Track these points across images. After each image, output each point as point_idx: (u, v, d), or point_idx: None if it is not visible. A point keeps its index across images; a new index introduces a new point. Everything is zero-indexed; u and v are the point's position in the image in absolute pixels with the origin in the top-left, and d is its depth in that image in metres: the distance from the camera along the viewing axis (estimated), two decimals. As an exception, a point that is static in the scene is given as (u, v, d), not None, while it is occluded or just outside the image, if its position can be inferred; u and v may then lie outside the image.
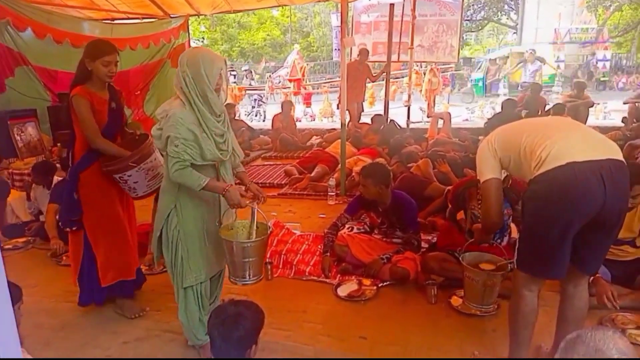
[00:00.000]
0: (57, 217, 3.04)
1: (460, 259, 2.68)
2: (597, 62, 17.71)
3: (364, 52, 8.34)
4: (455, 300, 2.92)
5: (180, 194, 2.28)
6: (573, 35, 17.68)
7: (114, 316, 2.93)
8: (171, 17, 8.15)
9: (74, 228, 2.81)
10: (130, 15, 8.02)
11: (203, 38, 24.20)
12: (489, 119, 5.99)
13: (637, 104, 8.08)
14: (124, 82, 7.52)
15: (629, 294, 2.77)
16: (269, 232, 2.39)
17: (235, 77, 16.67)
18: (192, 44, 11.65)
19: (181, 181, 2.18)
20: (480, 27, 27.92)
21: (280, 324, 2.75)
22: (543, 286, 2.12)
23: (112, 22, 7.90)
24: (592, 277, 2.58)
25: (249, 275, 2.34)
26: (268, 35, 27.17)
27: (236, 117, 7.60)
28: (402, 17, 8.82)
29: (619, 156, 1.91)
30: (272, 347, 2.52)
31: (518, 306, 2.10)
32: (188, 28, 8.74)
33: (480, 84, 16.58)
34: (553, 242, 1.91)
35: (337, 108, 9.21)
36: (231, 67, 19.73)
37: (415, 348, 2.50)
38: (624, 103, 8.67)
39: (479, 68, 17.47)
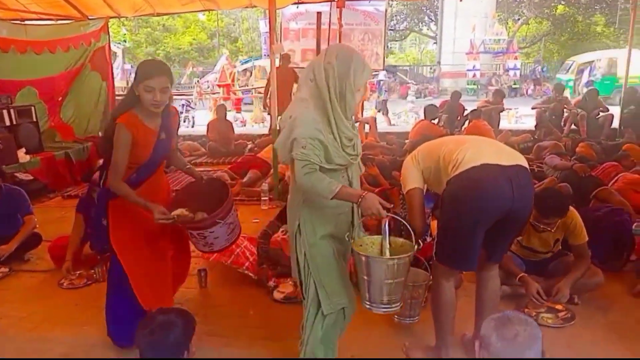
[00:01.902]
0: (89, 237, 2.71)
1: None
2: (508, 71, 19.16)
3: (285, 57, 8.42)
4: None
5: (304, 207, 2.01)
6: (487, 46, 18.96)
7: (34, 334, 2.74)
8: (89, 19, 7.75)
9: (107, 254, 2.55)
10: (43, 17, 7.52)
11: (125, 41, 23.14)
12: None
13: (543, 109, 8.87)
14: (50, 88, 7.06)
15: (541, 283, 3.04)
16: (415, 249, 1.99)
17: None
18: (113, 47, 11.15)
19: (309, 187, 1.91)
20: (403, 37, 29.18)
21: (217, 330, 2.72)
22: (462, 277, 2.31)
23: (23, 22, 7.37)
24: (519, 277, 2.88)
25: (392, 300, 1.97)
26: (194, 39, 26.56)
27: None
28: (329, 26, 9.02)
29: (525, 164, 2.16)
30: (210, 354, 2.49)
31: (439, 296, 2.30)
32: (108, 30, 8.36)
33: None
34: (466, 237, 2.12)
35: (264, 110, 9.19)
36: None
37: (351, 344, 2.56)
38: (532, 108, 9.47)
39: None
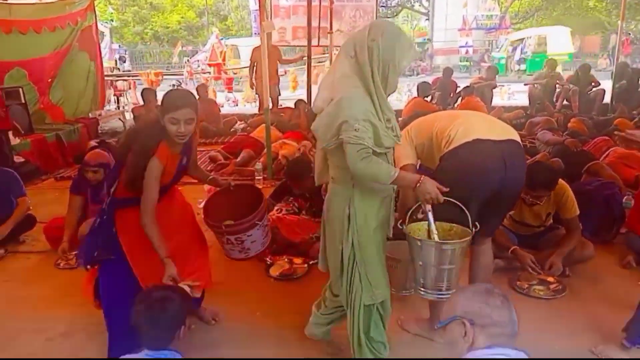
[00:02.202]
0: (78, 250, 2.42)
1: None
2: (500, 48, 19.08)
3: (268, 35, 8.31)
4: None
5: (356, 195, 1.91)
6: (479, 22, 18.83)
7: (33, 314, 2.77)
8: (75, -2, 7.58)
9: (88, 267, 2.30)
10: (25, -5, 7.34)
11: (112, 20, 22.69)
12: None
13: (535, 85, 8.87)
14: (39, 69, 6.92)
15: (534, 256, 3.09)
16: (471, 235, 1.95)
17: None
18: (100, 27, 10.95)
19: (367, 172, 1.80)
20: (395, 13, 28.78)
21: (213, 306, 2.75)
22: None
23: (7, 2, 7.18)
24: (511, 250, 2.97)
25: (446, 286, 1.92)
26: (182, 17, 26.07)
27: (157, 104, 7.26)
28: (320, 2, 8.89)
29: (517, 138, 2.17)
30: (206, 327, 2.54)
31: None
32: (95, 9, 8.18)
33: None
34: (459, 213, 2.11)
35: (252, 88, 9.12)
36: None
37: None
38: (525, 85, 9.47)
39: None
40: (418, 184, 1.83)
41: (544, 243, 3.19)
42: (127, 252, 2.25)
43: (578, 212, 2.95)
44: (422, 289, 1.97)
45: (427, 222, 1.97)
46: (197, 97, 7.98)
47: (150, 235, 2.13)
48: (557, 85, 8.62)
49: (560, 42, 16.77)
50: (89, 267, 2.29)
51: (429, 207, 1.90)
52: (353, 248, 1.94)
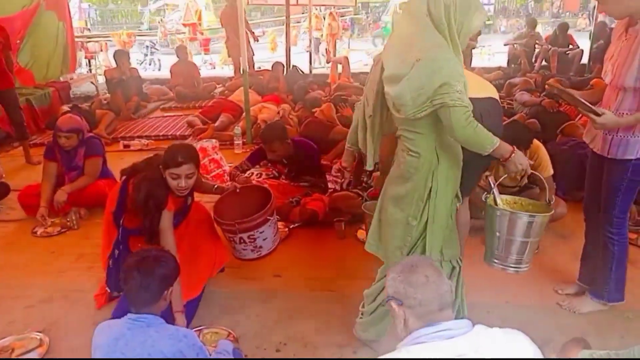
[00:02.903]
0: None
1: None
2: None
3: None
4: (361, 234, 3.14)
5: (439, 165, 1.79)
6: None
7: (13, 281, 2.75)
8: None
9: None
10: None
11: (80, -23, 21.54)
12: None
13: (515, 46, 8.85)
14: (8, 30, 6.54)
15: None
16: (552, 211, 1.93)
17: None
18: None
19: (475, 139, 1.67)
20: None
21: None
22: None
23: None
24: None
25: (524, 260, 1.91)
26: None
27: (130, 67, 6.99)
28: (298, -42, 8.61)
29: (496, 96, 2.15)
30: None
31: None
32: (62, -34, 7.75)
33: (389, 26, 16.93)
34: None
35: (229, 56, 8.91)
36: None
37: (326, 280, 2.68)
38: (505, 45, 9.43)
39: (387, 12, 17.75)
40: (512, 155, 1.73)
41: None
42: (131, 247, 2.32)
43: (552, 172, 3.01)
44: (498, 262, 1.96)
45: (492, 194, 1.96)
46: (177, 59, 7.84)
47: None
48: (536, 45, 8.62)
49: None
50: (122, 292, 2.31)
51: (492, 179, 1.92)
52: (426, 223, 1.84)
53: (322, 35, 11.36)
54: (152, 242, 2.23)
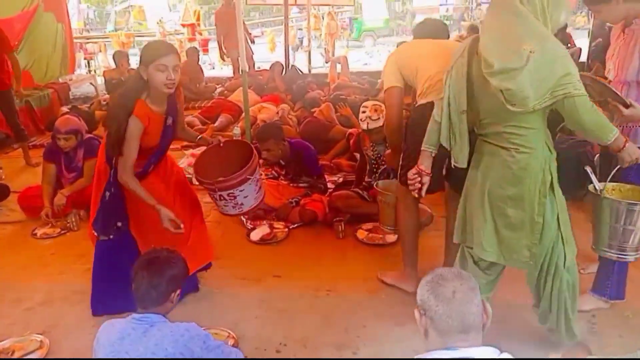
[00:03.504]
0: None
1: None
2: (481, 5, 18.86)
3: None
4: (361, 234, 3.14)
5: (552, 157, 1.80)
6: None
7: (12, 283, 2.75)
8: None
9: (111, 236, 2.33)
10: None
11: (79, -22, 21.54)
12: None
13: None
14: (6, 32, 6.51)
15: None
16: None
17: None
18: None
19: (600, 126, 1.68)
20: (374, -30, 28.00)
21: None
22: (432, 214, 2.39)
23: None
24: None
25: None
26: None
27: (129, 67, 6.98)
28: (297, -43, 8.61)
29: None
30: (187, 296, 2.55)
31: (403, 213, 2.50)
32: (60, -34, 7.74)
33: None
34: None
35: (221, 57, 8.90)
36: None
37: (326, 280, 2.68)
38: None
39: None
40: (627, 144, 1.73)
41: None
42: (132, 220, 2.33)
43: None
44: (615, 251, 1.99)
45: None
46: (186, 59, 7.81)
47: (134, 190, 2.18)
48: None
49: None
50: (111, 236, 2.33)
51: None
52: (557, 219, 1.83)
53: (320, 35, 11.35)
54: (114, 153, 2.16)
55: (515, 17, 1.66)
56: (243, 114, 5.43)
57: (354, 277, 2.70)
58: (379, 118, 3.14)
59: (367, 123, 3.18)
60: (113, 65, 7.13)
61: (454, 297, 1.17)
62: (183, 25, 12.54)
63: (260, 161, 3.49)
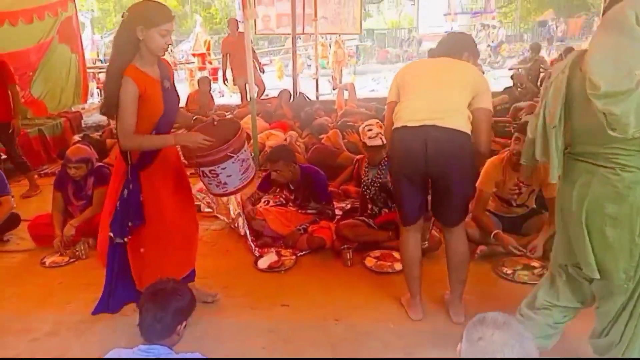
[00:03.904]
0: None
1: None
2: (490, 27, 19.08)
3: (232, 23, 8.18)
4: (369, 261, 3.11)
5: None
6: (464, 6, 18.81)
7: (18, 313, 2.74)
8: (54, -13, 7.39)
9: (125, 239, 2.33)
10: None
11: (92, 10, 22.24)
12: None
13: (519, 70, 8.91)
14: (21, 62, 6.67)
15: (516, 240, 3.13)
16: None
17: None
18: (80, 17, 10.71)
19: None
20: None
21: (201, 301, 2.75)
22: (440, 239, 2.48)
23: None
24: (493, 234, 3.04)
25: None
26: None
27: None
28: (305, -11, 8.80)
29: (442, 123, 2.17)
30: (196, 322, 2.52)
31: (401, 249, 2.52)
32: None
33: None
34: (398, 193, 2.39)
35: (225, 83, 9.06)
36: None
37: (334, 309, 2.64)
38: (509, 69, 9.51)
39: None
40: None
41: (528, 227, 3.23)
42: (148, 214, 2.32)
43: None
44: None
45: None
46: (197, 88, 7.96)
47: (141, 144, 2.22)
48: (540, 69, 8.66)
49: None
50: (126, 239, 2.32)
51: None
52: None
53: (327, 62, 11.52)
54: (109, 115, 2.22)
55: (629, 39, 1.58)
56: (252, 141, 5.49)
57: (363, 305, 2.66)
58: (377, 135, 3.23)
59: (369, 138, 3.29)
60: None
61: (477, 342, 1.17)
62: (194, 55, 12.82)
63: (273, 174, 3.51)
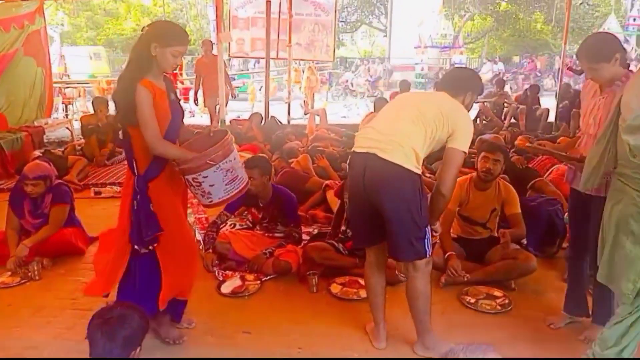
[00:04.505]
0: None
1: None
2: (455, 65, 19.77)
3: (206, 44, 8.21)
4: (335, 288, 3.08)
5: None
6: (434, 40, 19.43)
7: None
8: (22, 0, 7.25)
9: (150, 247, 2.33)
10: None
11: (62, 24, 21.92)
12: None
13: (485, 103, 9.22)
14: None
15: (480, 269, 3.18)
16: None
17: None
18: (50, 31, 10.53)
19: None
20: (354, 29, 29.33)
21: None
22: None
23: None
24: (447, 255, 3.14)
25: None
26: (138, 25, 25.46)
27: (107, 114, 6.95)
28: (279, 15, 8.93)
29: (380, 153, 2.19)
30: (153, 348, 2.42)
31: (365, 270, 2.54)
32: (44, 13, 7.86)
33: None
34: (348, 213, 2.60)
35: (195, 104, 9.03)
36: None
37: (298, 337, 2.59)
38: (475, 102, 9.82)
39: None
40: None
41: (491, 256, 3.27)
42: (163, 224, 2.31)
43: (520, 210, 3.25)
44: None
45: None
46: None
47: (168, 151, 2.23)
48: (505, 104, 9.00)
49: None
50: (151, 247, 2.33)
51: None
52: None
53: (300, 87, 11.65)
54: (125, 122, 2.23)
55: None
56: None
57: (327, 333, 2.62)
58: None
59: None
60: (92, 111, 7.10)
61: None
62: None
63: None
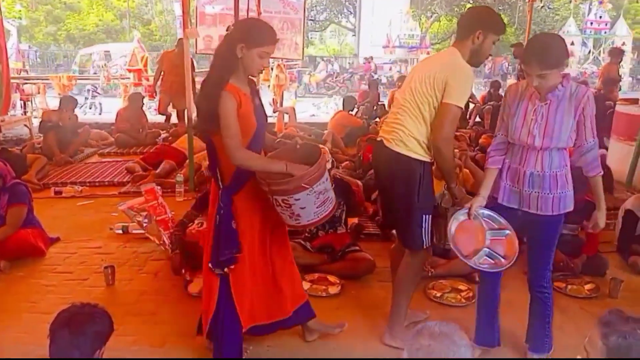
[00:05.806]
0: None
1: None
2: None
3: (182, 44, 8.09)
4: (304, 285, 3.07)
5: None
6: (402, 40, 19.74)
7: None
8: (-24, -9, 6.93)
9: (225, 270, 2.17)
10: None
11: (20, 18, 21.06)
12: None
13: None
14: None
15: (445, 264, 3.25)
16: None
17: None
18: (6, 25, 10.11)
19: None
20: (323, 28, 29.42)
21: (126, 330, 2.57)
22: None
23: None
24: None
25: None
26: (100, 20, 24.76)
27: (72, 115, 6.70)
28: (247, 12, 8.83)
29: (391, 145, 2.30)
30: (118, 350, 2.35)
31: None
32: (0, 5, 7.52)
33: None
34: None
35: (152, 98, 8.86)
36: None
37: (265, 335, 2.58)
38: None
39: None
40: None
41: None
42: (243, 240, 2.17)
43: None
44: None
45: None
46: (126, 104, 7.62)
47: (252, 161, 2.07)
48: (470, 103, 9.21)
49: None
50: (226, 270, 2.17)
51: None
52: None
53: (269, 86, 11.58)
54: (208, 128, 2.09)
55: None
56: (187, 161, 5.35)
57: (296, 330, 2.62)
58: None
59: None
60: (51, 107, 6.86)
61: (416, 353, 1.24)
62: (129, 71, 12.39)
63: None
